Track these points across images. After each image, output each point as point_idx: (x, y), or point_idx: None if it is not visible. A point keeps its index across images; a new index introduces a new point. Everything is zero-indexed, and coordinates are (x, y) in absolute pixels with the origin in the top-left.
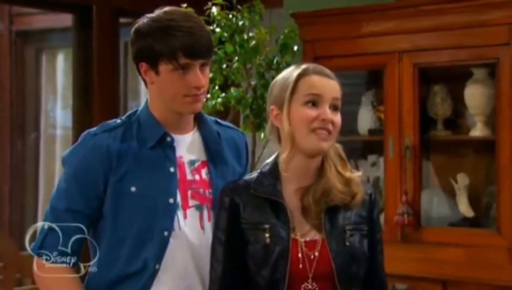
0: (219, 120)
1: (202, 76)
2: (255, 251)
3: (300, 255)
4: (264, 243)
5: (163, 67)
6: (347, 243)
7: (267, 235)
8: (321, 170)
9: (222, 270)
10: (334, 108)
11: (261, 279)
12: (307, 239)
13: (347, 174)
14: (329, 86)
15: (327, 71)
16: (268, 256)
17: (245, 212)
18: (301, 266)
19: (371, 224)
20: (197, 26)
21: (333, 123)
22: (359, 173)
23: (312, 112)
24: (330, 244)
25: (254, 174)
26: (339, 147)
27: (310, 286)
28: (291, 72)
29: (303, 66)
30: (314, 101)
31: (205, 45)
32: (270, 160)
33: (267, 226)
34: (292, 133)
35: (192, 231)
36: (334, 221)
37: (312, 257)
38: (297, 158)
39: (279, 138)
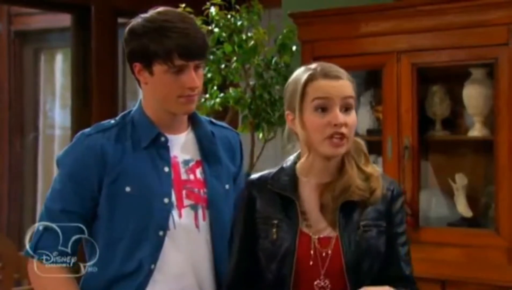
0: (213, 120)
1: (196, 77)
2: (264, 245)
3: (312, 252)
4: (272, 238)
5: (158, 68)
6: (360, 240)
7: (274, 230)
8: (341, 167)
9: (236, 262)
10: (346, 108)
11: (269, 273)
12: (321, 236)
13: (368, 169)
14: (337, 87)
15: (336, 71)
16: (276, 251)
17: (260, 205)
18: (311, 263)
19: (389, 219)
20: (192, 27)
21: (346, 125)
22: (379, 169)
23: (322, 120)
24: (342, 240)
25: (277, 168)
26: (360, 142)
27: (322, 283)
28: (300, 77)
29: (311, 70)
30: (323, 106)
31: (200, 46)
32: (292, 156)
33: (275, 221)
34: (307, 139)
35: (187, 230)
36: (349, 217)
37: (324, 254)
38: (317, 161)
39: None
